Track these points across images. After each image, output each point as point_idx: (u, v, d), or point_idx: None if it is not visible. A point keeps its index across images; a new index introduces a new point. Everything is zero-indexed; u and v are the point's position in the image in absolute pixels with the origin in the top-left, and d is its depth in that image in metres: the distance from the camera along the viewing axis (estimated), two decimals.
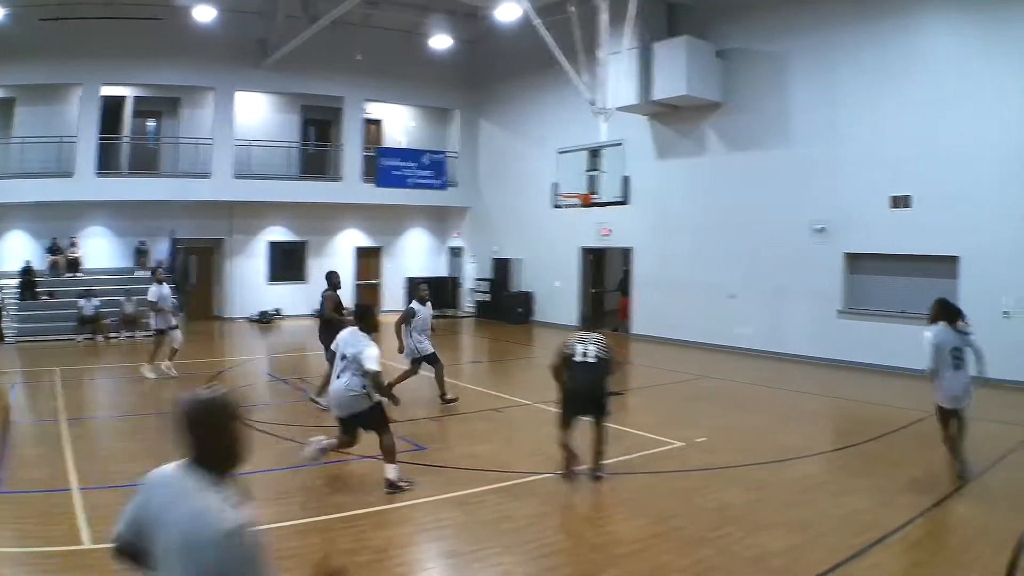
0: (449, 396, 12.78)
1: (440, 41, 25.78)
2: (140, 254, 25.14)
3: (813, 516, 7.38)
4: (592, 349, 8.86)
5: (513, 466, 9.18)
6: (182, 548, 2.79)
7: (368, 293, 29.90)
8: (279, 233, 28.06)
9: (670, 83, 19.33)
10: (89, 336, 20.91)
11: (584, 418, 8.88)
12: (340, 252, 29.11)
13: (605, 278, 25.62)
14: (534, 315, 25.96)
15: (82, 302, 21.19)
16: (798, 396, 13.72)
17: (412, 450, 9.89)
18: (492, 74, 28.57)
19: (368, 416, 8.26)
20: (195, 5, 21.83)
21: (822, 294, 17.77)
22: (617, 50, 17.76)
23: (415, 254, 30.84)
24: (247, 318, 26.80)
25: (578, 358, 8.84)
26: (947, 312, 8.87)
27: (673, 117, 21.13)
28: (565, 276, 24.71)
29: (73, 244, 24.08)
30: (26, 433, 10.92)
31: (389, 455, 8.19)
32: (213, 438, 2.93)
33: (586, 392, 8.79)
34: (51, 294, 22.30)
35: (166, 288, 15.63)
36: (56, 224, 23.85)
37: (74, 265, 23.79)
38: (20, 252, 23.19)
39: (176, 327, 15.68)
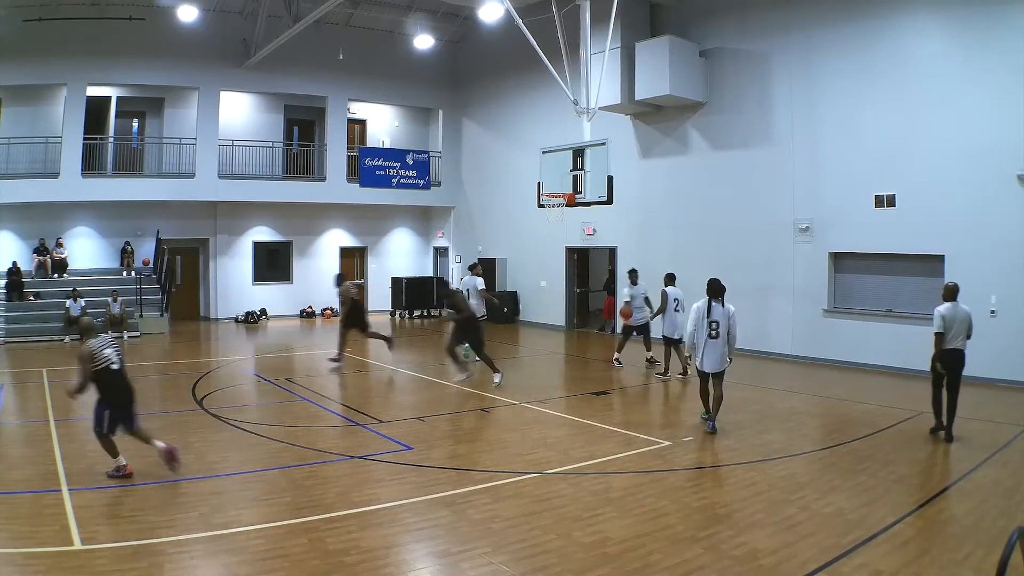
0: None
1: (423, 41, 25.82)
2: (125, 254, 25.09)
3: (801, 515, 7.41)
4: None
5: (501, 466, 9.20)
6: (963, 324, 10.20)
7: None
8: (264, 233, 28.03)
9: (653, 83, 19.38)
10: (76, 337, 20.81)
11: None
12: (325, 252, 29.15)
13: (590, 277, 25.62)
14: (520, 315, 25.97)
15: (69, 303, 21.11)
16: (784, 395, 13.76)
17: (399, 450, 9.90)
18: (475, 74, 28.60)
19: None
20: (178, 5, 21.79)
21: (807, 293, 17.84)
22: (600, 50, 17.83)
23: (400, 254, 30.88)
24: (233, 318, 26.78)
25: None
26: (712, 289, 11.12)
27: (656, 117, 21.19)
28: (550, 276, 24.72)
29: (59, 245, 24.00)
30: (15, 434, 10.90)
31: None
32: None
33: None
34: (38, 295, 22.21)
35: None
36: (42, 225, 23.86)
37: (61, 266, 23.70)
38: (6, 253, 23.15)
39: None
